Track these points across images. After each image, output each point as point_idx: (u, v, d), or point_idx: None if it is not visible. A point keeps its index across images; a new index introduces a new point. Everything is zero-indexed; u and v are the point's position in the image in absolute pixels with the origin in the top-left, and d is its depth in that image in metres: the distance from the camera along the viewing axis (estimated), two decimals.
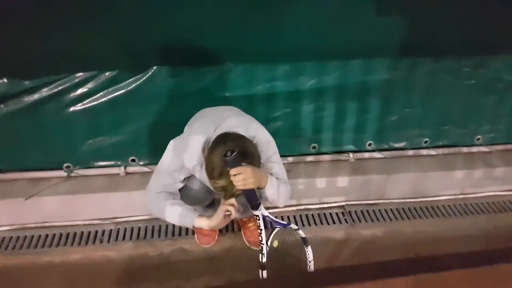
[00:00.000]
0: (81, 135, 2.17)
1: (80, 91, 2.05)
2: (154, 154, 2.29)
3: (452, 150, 2.71)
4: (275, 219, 1.64)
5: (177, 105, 2.15)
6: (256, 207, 1.58)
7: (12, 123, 2.05)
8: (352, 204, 2.52)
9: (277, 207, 1.92)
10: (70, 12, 1.77)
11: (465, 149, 2.73)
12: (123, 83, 2.07)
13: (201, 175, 1.68)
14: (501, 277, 0.71)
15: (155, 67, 2.06)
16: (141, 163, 2.31)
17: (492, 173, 2.67)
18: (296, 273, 1.58)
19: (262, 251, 1.60)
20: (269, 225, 1.70)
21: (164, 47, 1.99)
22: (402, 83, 2.36)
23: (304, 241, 1.81)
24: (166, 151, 1.70)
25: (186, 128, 1.89)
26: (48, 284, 1.91)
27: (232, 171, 1.43)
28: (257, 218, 1.61)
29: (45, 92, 2.01)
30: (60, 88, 2.02)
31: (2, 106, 2.00)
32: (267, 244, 1.70)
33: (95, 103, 2.08)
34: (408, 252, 2.19)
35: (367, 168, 2.51)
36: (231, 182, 1.46)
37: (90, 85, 2.04)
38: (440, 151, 2.68)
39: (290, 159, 2.50)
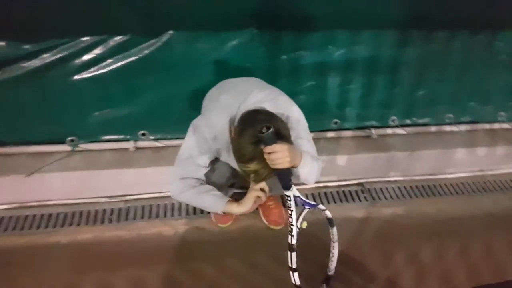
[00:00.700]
0: (87, 106, 1.98)
1: (86, 57, 1.84)
2: (167, 128, 2.14)
3: (474, 126, 2.61)
4: (305, 199, 1.53)
5: (194, 75, 1.97)
6: (288, 188, 1.46)
7: (11, 92, 1.85)
8: (371, 182, 2.42)
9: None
10: None
11: (487, 126, 2.63)
12: (135, 49, 1.87)
13: (228, 158, 1.55)
14: None
15: (170, 32, 1.86)
16: (152, 137, 2.14)
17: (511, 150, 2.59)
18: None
19: (291, 232, 1.49)
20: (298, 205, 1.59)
21: (181, 10, 1.79)
22: (433, 57, 2.22)
23: (330, 221, 1.71)
24: (187, 135, 1.56)
25: (205, 103, 1.73)
26: (58, 266, 1.79)
27: (268, 149, 1.29)
28: (288, 198, 1.49)
29: (48, 57, 1.81)
30: (64, 53, 1.81)
31: (0, 73, 1.79)
32: (296, 225, 1.58)
33: (103, 71, 1.88)
34: (429, 231, 2.12)
35: (388, 145, 2.40)
36: (263, 165, 1.33)
37: (98, 50, 1.84)
38: (463, 127, 2.57)
39: (311, 135, 2.36)
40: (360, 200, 2.29)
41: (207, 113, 1.52)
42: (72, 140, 2.06)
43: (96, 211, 2.06)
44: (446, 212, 2.28)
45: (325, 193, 2.31)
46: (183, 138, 2.15)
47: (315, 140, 2.34)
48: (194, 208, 2.12)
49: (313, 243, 1.58)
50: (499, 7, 2.14)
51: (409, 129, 2.48)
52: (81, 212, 2.05)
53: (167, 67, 1.93)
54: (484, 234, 2.15)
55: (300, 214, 1.50)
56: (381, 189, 2.39)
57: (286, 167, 1.35)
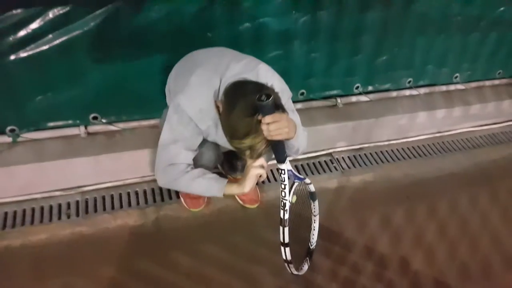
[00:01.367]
0: (27, 89, 1.71)
1: (21, 33, 1.57)
2: (121, 109, 1.93)
3: (432, 89, 2.65)
4: (296, 173, 1.45)
5: (148, 49, 1.76)
6: (283, 160, 1.38)
7: None
8: (339, 151, 2.39)
9: None
10: None
11: (443, 88, 2.69)
12: (78, 22, 1.61)
13: (216, 137, 1.42)
14: None
15: (117, 1, 1.62)
16: (105, 120, 1.93)
17: (467, 110, 2.68)
18: None
19: (284, 207, 1.41)
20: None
21: None
22: (394, 21, 2.17)
23: (313, 195, 1.66)
24: (168, 117, 1.39)
25: (173, 79, 1.56)
26: (10, 273, 1.57)
27: (267, 119, 1.18)
28: (282, 172, 1.41)
29: None
30: None
31: None
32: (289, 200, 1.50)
33: (42, 48, 1.62)
34: (400, 196, 2.15)
35: (353, 113, 2.37)
36: (260, 139, 1.23)
37: (34, 25, 1.57)
38: (422, 90, 2.61)
39: None
40: (330, 171, 2.26)
41: (186, 89, 1.36)
42: (12, 130, 1.79)
43: (50, 207, 1.84)
44: (411, 175, 2.33)
45: (296, 166, 2.25)
46: (140, 119, 2.01)
47: None
48: (161, 194, 1.97)
49: (291, 218, 1.52)
50: None
51: (372, 96, 2.46)
52: (32, 210, 1.82)
53: (116, 41, 1.70)
54: (449, 194, 2.22)
55: (291, 188, 1.42)
56: (349, 157, 2.38)
57: (285, 138, 1.27)
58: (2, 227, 1.74)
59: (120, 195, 1.94)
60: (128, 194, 1.95)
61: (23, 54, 1.62)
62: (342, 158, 2.36)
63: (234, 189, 1.39)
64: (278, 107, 1.22)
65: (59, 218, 1.80)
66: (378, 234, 1.92)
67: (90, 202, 1.89)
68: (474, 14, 2.36)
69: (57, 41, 1.63)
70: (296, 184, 1.44)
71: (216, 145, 1.55)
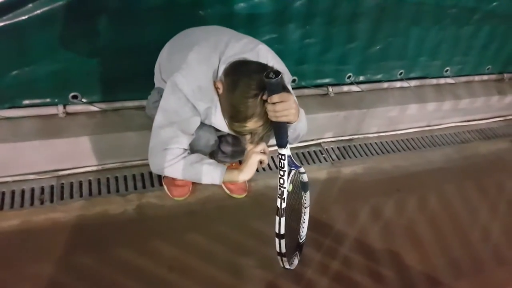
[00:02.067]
0: (2, 63, 1.57)
1: None
2: (104, 88, 1.80)
3: (422, 82, 2.62)
4: (294, 160, 1.37)
5: (136, 24, 1.64)
6: (285, 145, 1.29)
7: None
8: (329, 141, 2.33)
9: None
10: None
11: (434, 81, 2.66)
12: None
13: (214, 120, 1.32)
14: None
15: None
16: (86, 100, 1.80)
17: (456, 104, 2.66)
18: None
19: (282, 195, 1.33)
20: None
21: None
22: (391, 9, 2.10)
23: (305, 186, 1.58)
24: (163, 97, 1.28)
25: (165, 57, 1.45)
26: None
27: (275, 98, 1.10)
28: (283, 158, 1.32)
29: None
30: None
31: None
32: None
33: (21, 18, 1.48)
34: (390, 188, 2.11)
35: (344, 103, 2.30)
36: (262, 123, 1.16)
37: None
38: (412, 83, 2.57)
39: None
40: (320, 161, 2.20)
41: (183, 67, 1.25)
42: None
43: (22, 191, 1.71)
44: (402, 167, 2.30)
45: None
46: (124, 100, 1.89)
47: None
48: (143, 181, 1.86)
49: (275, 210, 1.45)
50: None
51: (363, 86, 2.40)
52: (2, 194, 1.68)
53: (102, 13, 1.57)
54: (438, 187, 2.19)
55: (288, 176, 1.34)
56: (338, 148, 2.32)
57: (291, 120, 1.19)
58: None
59: (99, 180, 1.82)
60: (108, 179, 1.83)
61: None
62: (332, 148, 2.30)
63: (233, 176, 1.30)
64: (283, 87, 1.13)
65: (32, 203, 1.67)
66: (368, 227, 1.87)
67: (66, 187, 1.76)
68: (468, 6, 2.32)
69: (38, 11, 1.49)
70: (293, 172, 1.36)
71: (213, 129, 1.45)
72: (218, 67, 1.25)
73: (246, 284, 1.54)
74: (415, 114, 2.52)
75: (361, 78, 2.37)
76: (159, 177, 1.87)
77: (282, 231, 1.32)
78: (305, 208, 1.64)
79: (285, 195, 1.33)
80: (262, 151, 1.30)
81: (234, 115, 1.17)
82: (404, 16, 2.19)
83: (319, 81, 2.25)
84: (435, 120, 2.66)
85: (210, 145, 1.47)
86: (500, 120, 2.91)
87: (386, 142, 2.45)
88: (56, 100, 1.76)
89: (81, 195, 1.75)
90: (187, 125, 1.28)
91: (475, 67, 2.73)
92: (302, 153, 2.23)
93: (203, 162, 1.28)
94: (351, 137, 2.39)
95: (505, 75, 2.92)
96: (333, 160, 2.22)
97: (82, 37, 1.61)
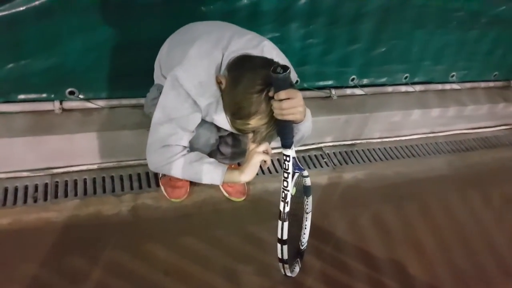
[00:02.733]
0: None
1: None
2: (101, 85, 1.76)
3: (427, 87, 2.57)
4: (298, 163, 1.32)
5: (136, 18, 1.60)
6: (290, 145, 1.25)
7: None
8: (330, 146, 2.28)
9: None
10: None
11: (439, 86, 2.61)
12: None
13: (215, 116, 1.28)
14: None
15: None
16: (83, 96, 1.75)
17: (461, 111, 2.61)
18: None
19: (285, 198, 1.28)
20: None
21: None
22: (396, 10, 2.06)
23: (307, 190, 1.53)
24: (163, 92, 1.24)
25: (166, 53, 1.41)
26: None
27: (282, 94, 1.05)
28: (287, 159, 1.27)
29: None
30: None
31: None
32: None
33: (19, 9, 1.43)
34: (392, 195, 2.06)
35: (347, 106, 2.26)
36: (266, 121, 1.11)
37: None
38: (417, 87, 2.52)
39: None
40: (321, 166, 2.14)
41: (184, 62, 1.20)
42: None
43: (15, 189, 1.66)
44: (404, 174, 2.24)
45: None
46: (121, 97, 1.84)
47: None
48: (140, 181, 1.81)
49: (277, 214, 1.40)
50: None
51: (367, 90, 2.36)
52: None
53: (101, 6, 1.53)
54: (441, 195, 2.14)
55: (292, 178, 1.29)
56: (340, 153, 2.27)
57: (297, 119, 1.15)
58: None
59: (94, 180, 1.77)
60: (103, 179, 1.78)
61: None
62: (333, 153, 2.25)
63: (234, 177, 1.25)
64: (291, 84, 1.09)
65: (25, 201, 1.62)
66: (370, 234, 1.81)
67: (60, 185, 1.71)
68: (475, 10, 2.28)
69: (36, 2, 1.45)
70: (296, 174, 1.31)
71: (214, 128, 1.40)
72: (222, 62, 1.21)
73: None
74: (419, 120, 2.47)
75: (365, 81, 2.33)
76: (156, 177, 1.82)
77: (285, 237, 1.27)
78: (307, 213, 1.59)
79: (288, 199, 1.28)
80: (265, 151, 1.25)
81: (236, 111, 1.12)
82: (408, 18, 2.15)
83: (321, 83, 2.21)
84: (439, 126, 2.61)
85: (210, 144, 1.42)
86: (506, 129, 2.85)
87: (389, 148, 2.40)
88: (53, 96, 1.71)
89: (75, 194, 1.69)
90: (187, 122, 1.23)
91: (480, 73, 2.69)
92: (303, 157, 2.17)
93: (204, 161, 1.24)
94: (353, 141, 2.34)
95: None
96: (334, 165, 2.17)
97: (81, 31, 1.57)
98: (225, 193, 1.82)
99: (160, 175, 1.79)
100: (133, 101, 1.84)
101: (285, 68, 1.03)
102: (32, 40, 1.52)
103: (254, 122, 1.11)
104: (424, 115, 2.47)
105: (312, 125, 1.34)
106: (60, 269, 1.41)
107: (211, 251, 1.58)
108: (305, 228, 1.59)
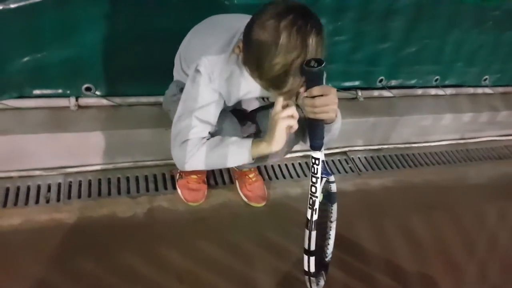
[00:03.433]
0: (13, 48, 1.47)
1: None
2: (119, 81, 1.69)
3: (458, 90, 2.44)
4: (326, 166, 1.21)
5: (155, 10, 1.53)
6: (320, 147, 1.14)
7: None
8: (355, 150, 2.17)
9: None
10: None
11: (470, 90, 2.47)
12: None
13: (244, 81, 1.15)
14: None
15: None
16: (99, 93, 1.69)
17: (493, 116, 2.46)
18: None
19: (313, 205, 1.17)
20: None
21: None
22: (428, 8, 1.95)
23: (332, 197, 1.41)
24: (185, 88, 1.17)
25: (185, 48, 1.34)
26: None
27: (315, 90, 0.96)
28: (316, 162, 1.16)
29: None
30: None
31: None
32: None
33: (31, 0, 1.38)
34: (421, 205, 1.93)
35: (374, 109, 2.14)
36: (296, 54, 0.94)
37: None
38: (448, 91, 2.39)
39: None
40: (346, 172, 2.03)
41: (205, 52, 1.13)
42: None
43: (28, 188, 1.60)
44: (434, 182, 2.11)
45: (307, 164, 2.01)
46: (139, 95, 1.76)
47: None
48: (156, 182, 1.73)
49: (299, 222, 1.29)
50: None
51: (395, 92, 2.24)
52: (7, 190, 1.57)
53: None
54: (474, 205, 2.01)
55: (320, 183, 1.19)
56: (365, 158, 2.15)
57: (331, 118, 1.06)
58: None
59: (109, 180, 1.70)
60: (118, 179, 1.71)
61: (12, 5, 1.37)
62: (358, 158, 2.14)
63: (263, 149, 1.12)
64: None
65: (37, 201, 1.56)
66: (399, 246, 1.70)
67: (73, 185, 1.65)
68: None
69: None
70: (324, 180, 1.21)
71: (238, 125, 1.34)
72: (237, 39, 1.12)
73: None
74: (449, 125, 2.34)
75: (393, 82, 2.20)
76: (173, 179, 1.74)
77: (313, 247, 1.17)
78: (332, 222, 1.48)
79: (316, 206, 1.17)
80: (291, 115, 1.07)
81: (259, 53, 0.97)
82: (442, 16, 2.02)
83: (347, 84, 2.10)
84: (470, 132, 2.46)
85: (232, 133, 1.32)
86: None
87: (418, 154, 2.27)
88: (68, 92, 1.65)
89: (89, 195, 1.63)
90: (207, 113, 1.15)
91: None
92: (326, 161, 2.03)
93: (225, 143, 1.14)
94: (379, 146, 2.22)
95: None
96: (360, 170, 2.06)
97: (99, 22, 1.50)
98: (244, 198, 1.72)
99: (177, 177, 1.71)
100: (151, 99, 1.77)
101: (319, 62, 0.93)
102: (48, 30, 1.46)
103: (282, 57, 0.94)
104: (455, 120, 2.34)
105: (339, 127, 1.24)
106: (71, 272, 1.35)
107: (228, 258, 1.49)
108: (330, 238, 1.48)
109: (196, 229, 1.59)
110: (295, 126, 1.09)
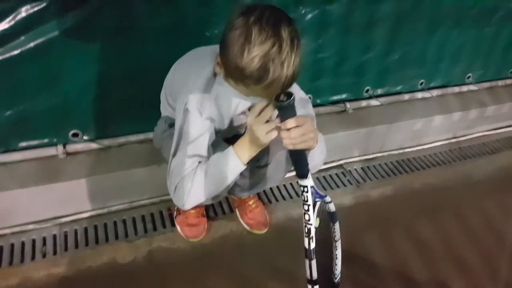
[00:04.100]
0: None
1: None
2: (106, 122, 1.66)
3: (444, 91, 2.45)
4: (317, 190, 1.19)
5: (138, 49, 1.51)
6: (306, 175, 1.12)
7: None
8: (351, 162, 2.15)
9: None
10: None
11: (456, 89, 2.49)
12: (56, 20, 1.36)
13: (227, 96, 1.10)
14: None
15: None
16: (87, 137, 1.66)
17: (482, 112, 2.48)
18: None
19: (309, 234, 1.14)
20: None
21: None
22: (407, 14, 1.96)
23: (333, 216, 1.39)
24: (176, 128, 1.15)
25: (169, 82, 1.33)
26: None
27: (290, 123, 0.95)
28: (305, 189, 1.14)
29: None
30: None
31: None
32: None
33: (14, 52, 1.35)
34: (424, 209, 1.91)
35: (365, 119, 2.13)
36: (269, 46, 0.91)
37: (4, 24, 1.30)
38: (434, 92, 2.40)
39: None
40: (344, 185, 2.01)
41: (188, 85, 1.12)
42: None
43: (22, 244, 1.54)
44: (434, 185, 2.10)
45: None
46: (128, 134, 1.73)
47: None
48: (153, 221, 1.68)
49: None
50: None
51: (383, 100, 2.24)
52: (0, 249, 1.52)
53: (100, 41, 1.44)
54: (477, 203, 1.99)
55: (314, 209, 1.16)
56: (362, 168, 2.13)
57: (311, 147, 1.04)
58: None
59: (105, 225, 1.65)
60: (115, 223, 1.66)
61: None
62: (355, 169, 2.12)
63: (246, 150, 1.07)
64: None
65: (33, 257, 1.50)
66: (408, 255, 1.67)
67: (69, 235, 1.59)
68: (488, 7, 2.17)
69: (31, 44, 1.37)
70: (318, 203, 1.18)
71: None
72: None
73: None
74: (440, 125, 2.34)
75: (379, 91, 2.21)
76: (171, 216, 1.70)
77: (315, 276, 1.13)
78: (336, 241, 1.45)
79: (312, 233, 1.14)
80: (267, 119, 1.00)
81: (231, 54, 0.93)
82: (420, 21, 2.04)
83: (335, 97, 2.10)
84: (461, 130, 2.47)
85: None
86: None
87: (413, 158, 2.26)
88: (55, 140, 1.61)
89: (86, 244, 1.57)
90: (198, 146, 1.11)
91: (497, 72, 2.57)
92: (324, 177, 2.04)
93: (210, 164, 1.10)
94: (374, 155, 2.21)
95: None
96: (358, 182, 2.04)
97: (80, 68, 1.47)
98: (246, 226, 1.69)
99: (175, 214, 1.66)
100: (141, 136, 1.74)
101: (288, 94, 0.93)
102: (28, 81, 1.43)
103: (258, 49, 0.90)
104: (445, 120, 2.34)
105: (325, 148, 1.22)
106: None
107: None
108: (336, 258, 1.45)
109: (201, 265, 1.54)
110: (274, 132, 1.02)
